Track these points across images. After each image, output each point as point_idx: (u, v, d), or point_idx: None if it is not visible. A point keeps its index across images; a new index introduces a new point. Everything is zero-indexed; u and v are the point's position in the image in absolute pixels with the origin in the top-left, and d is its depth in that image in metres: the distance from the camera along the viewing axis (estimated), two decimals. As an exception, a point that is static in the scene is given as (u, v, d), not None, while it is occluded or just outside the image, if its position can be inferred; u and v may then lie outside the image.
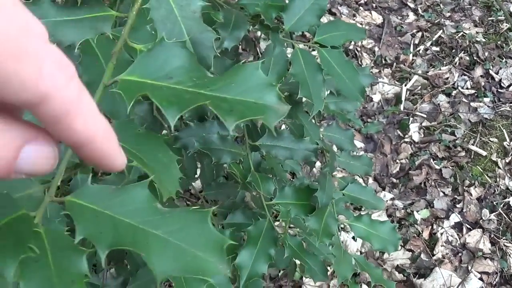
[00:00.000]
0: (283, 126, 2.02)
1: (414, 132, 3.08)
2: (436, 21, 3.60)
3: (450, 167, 2.93)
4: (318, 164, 2.52)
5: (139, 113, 1.06)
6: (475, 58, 3.36)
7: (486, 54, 3.37)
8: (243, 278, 1.08)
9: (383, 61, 3.41)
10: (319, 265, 1.23)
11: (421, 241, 2.68)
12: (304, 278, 2.46)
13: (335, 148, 1.45)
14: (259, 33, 1.20)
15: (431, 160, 2.95)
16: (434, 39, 3.50)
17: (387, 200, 2.82)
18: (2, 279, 0.40)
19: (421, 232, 2.72)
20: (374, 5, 3.70)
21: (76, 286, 0.44)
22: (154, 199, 0.47)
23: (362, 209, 2.63)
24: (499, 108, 3.14)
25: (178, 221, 0.46)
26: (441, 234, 2.70)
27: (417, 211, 2.78)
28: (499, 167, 2.91)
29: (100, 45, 0.75)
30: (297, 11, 1.08)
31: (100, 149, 0.35)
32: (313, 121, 1.30)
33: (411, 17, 3.65)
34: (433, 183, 2.88)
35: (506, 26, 3.49)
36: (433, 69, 3.35)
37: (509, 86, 3.24)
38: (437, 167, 2.93)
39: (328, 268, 1.54)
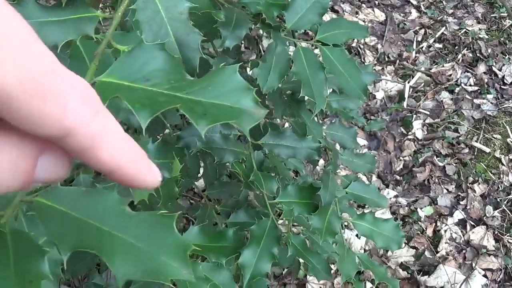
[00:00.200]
0: (286, 125, 2.02)
1: (418, 129, 3.08)
2: (438, 18, 3.59)
3: (454, 164, 2.93)
4: (321, 162, 2.52)
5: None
6: (478, 54, 3.35)
7: (489, 50, 3.36)
8: (247, 277, 1.08)
9: (386, 59, 3.40)
10: (323, 263, 1.23)
11: (425, 238, 2.68)
12: (308, 276, 2.46)
13: (338, 147, 1.45)
14: (261, 31, 1.19)
15: (435, 157, 2.95)
16: (437, 36, 3.50)
17: (390, 198, 2.82)
18: None
19: (425, 229, 2.71)
20: (376, 2, 3.69)
21: (33, 286, 0.43)
22: (123, 202, 0.46)
23: (366, 206, 2.62)
24: (502, 104, 3.13)
25: (144, 225, 0.45)
26: (445, 231, 2.70)
27: (421, 208, 2.78)
28: (502, 164, 2.91)
29: (87, 49, 0.75)
30: (299, 9, 1.08)
31: (128, 173, 0.35)
32: (316, 119, 1.30)
33: (414, 14, 3.65)
34: (436, 180, 2.88)
35: (509, 22, 3.49)
36: (436, 66, 3.35)
37: (512, 82, 3.24)
38: (440, 164, 2.93)
39: (332, 266, 1.54)
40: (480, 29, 3.49)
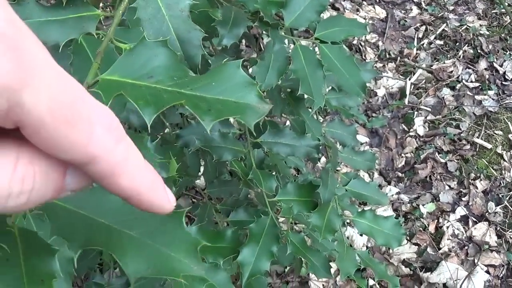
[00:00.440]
0: (287, 123, 2.02)
1: (419, 126, 3.08)
2: (439, 15, 3.59)
3: (455, 161, 2.93)
4: (323, 159, 2.52)
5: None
6: (479, 51, 3.35)
7: (490, 47, 3.36)
8: (245, 276, 1.08)
9: (387, 56, 3.40)
10: (322, 261, 1.23)
11: (427, 235, 2.68)
12: (310, 274, 2.46)
13: (338, 145, 1.45)
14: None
15: (436, 154, 2.95)
16: (437, 32, 3.49)
17: (392, 194, 2.81)
18: None
19: (427, 226, 2.71)
20: (377, -1, 3.69)
21: (45, 285, 0.43)
22: None
23: (368, 204, 2.62)
24: (503, 100, 3.13)
25: (152, 222, 0.46)
26: (447, 227, 2.70)
27: (423, 205, 2.78)
28: (504, 160, 2.90)
29: (91, 45, 0.75)
30: (297, 7, 1.08)
31: (146, 200, 0.36)
32: (315, 117, 1.30)
33: (415, 11, 3.64)
34: (438, 177, 2.88)
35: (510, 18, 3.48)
36: (437, 62, 3.34)
37: (513, 78, 3.24)
38: (442, 160, 2.92)
39: (334, 264, 1.53)
40: (481, 25, 3.48)
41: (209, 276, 0.97)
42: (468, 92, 3.17)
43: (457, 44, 3.41)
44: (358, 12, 3.57)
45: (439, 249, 2.62)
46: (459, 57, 3.34)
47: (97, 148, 0.32)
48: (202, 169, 1.50)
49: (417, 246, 2.65)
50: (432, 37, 3.47)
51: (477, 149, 2.95)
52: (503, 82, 3.21)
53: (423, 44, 3.46)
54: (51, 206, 0.46)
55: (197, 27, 0.70)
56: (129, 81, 0.50)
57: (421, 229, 2.70)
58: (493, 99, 3.13)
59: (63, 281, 0.70)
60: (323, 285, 2.47)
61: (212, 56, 1.13)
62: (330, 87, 1.33)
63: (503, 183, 2.83)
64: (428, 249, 2.62)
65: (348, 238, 2.56)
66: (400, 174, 2.92)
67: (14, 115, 0.29)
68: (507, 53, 3.33)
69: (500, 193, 2.79)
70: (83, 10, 0.69)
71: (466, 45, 3.39)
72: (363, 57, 3.35)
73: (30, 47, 0.30)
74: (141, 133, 1.06)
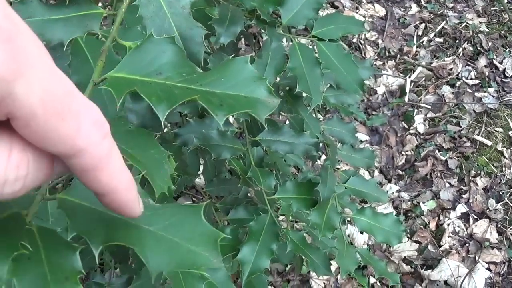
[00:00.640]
0: (286, 121, 2.02)
1: (419, 123, 3.08)
2: (439, 12, 3.59)
3: (456, 158, 2.93)
4: (323, 157, 2.51)
5: (138, 110, 1.06)
6: (478, 48, 3.35)
7: (490, 44, 3.36)
8: (245, 274, 1.08)
9: (387, 53, 3.40)
10: (322, 259, 1.23)
11: (428, 232, 2.68)
12: (311, 272, 2.47)
13: (337, 142, 1.45)
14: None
15: (437, 151, 2.95)
16: (437, 30, 3.49)
17: (393, 192, 2.82)
18: None
19: (427, 223, 2.71)
20: (376, -3, 3.69)
21: (70, 282, 0.44)
22: (146, 195, 0.47)
23: (368, 202, 2.62)
24: (503, 97, 3.13)
25: (170, 216, 0.46)
26: (448, 225, 2.70)
27: (424, 203, 2.78)
28: (504, 157, 2.90)
29: (90, 46, 0.75)
30: (294, 5, 1.08)
31: (119, 199, 0.38)
32: (314, 115, 1.30)
33: (414, 8, 3.64)
34: (439, 174, 2.88)
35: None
36: (437, 60, 3.34)
37: (513, 75, 3.24)
38: (442, 158, 2.92)
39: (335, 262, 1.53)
40: (480, 23, 3.48)
41: (209, 274, 0.97)
42: (468, 90, 3.17)
43: (457, 41, 3.41)
44: (357, 10, 3.57)
45: (440, 246, 2.62)
46: (459, 54, 3.34)
47: (84, 141, 0.33)
48: (201, 167, 1.50)
49: (418, 244, 2.65)
50: (431, 35, 3.47)
51: (477, 146, 2.95)
52: (503, 79, 3.21)
53: (422, 41, 3.46)
54: (68, 203, 0.47)
55: (198, 24, 0.70)
56: (138, 78, 0.50)
57: (421, 226, 2.70)
58: (493, 96, 3.13)
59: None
60: (324, 283, 2.47)
61: (210, 54, 1.13)
62: (328, 85, 1.33)
63: (503, 180, 2.83)
64: (429, 247, 2.62)
65: (348, 236, 2.56)
66: (400, 172, 2.92)
67: (5, 106, 0.30)
68: (507, 50, 3.33)
69: (501, 190, 2.79)
70: (86, 8, 0.69)
71: (466, 42, 3.39)
72: (363, 55, 3.35)
73: (25, 41, 0.31)
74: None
